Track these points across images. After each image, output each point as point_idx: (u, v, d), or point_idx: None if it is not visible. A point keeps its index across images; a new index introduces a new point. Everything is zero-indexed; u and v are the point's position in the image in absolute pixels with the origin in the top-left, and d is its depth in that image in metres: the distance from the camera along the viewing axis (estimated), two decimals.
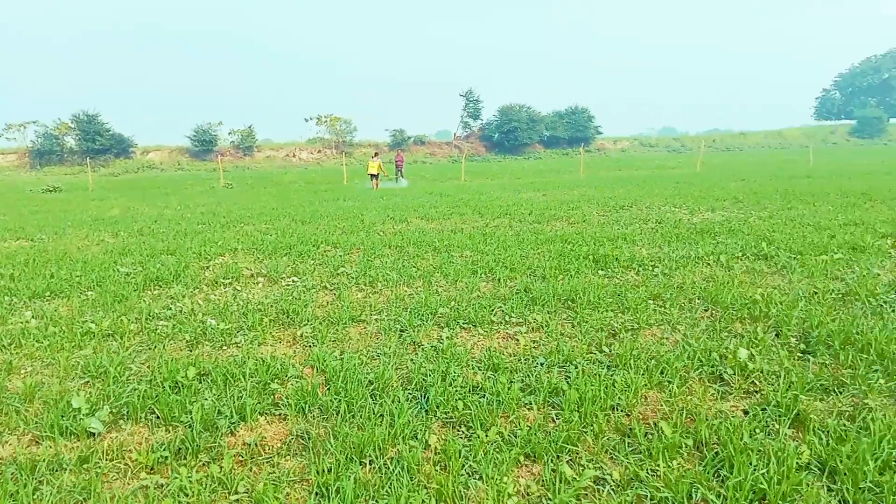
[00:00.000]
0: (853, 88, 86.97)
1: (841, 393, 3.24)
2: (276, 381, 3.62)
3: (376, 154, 26.21)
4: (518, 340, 4.26)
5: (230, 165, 46.16)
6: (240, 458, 2.81)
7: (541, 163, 46.30)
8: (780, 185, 16.57)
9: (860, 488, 2.34)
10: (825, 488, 2.42)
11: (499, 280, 5.99)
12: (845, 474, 2.41)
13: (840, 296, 4.99)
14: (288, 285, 6.09)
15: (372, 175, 23.31)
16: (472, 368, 3.78)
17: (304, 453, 2.84)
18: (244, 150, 52.55)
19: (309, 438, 2.94)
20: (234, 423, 3.10)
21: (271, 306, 5.22)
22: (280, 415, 3.22)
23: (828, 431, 2.78)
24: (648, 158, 47.77)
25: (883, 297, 4.80)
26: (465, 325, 4.64)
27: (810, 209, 10.66)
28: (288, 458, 2.82)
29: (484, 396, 3.33)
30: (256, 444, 2.90)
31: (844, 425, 2.84)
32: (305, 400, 3.30)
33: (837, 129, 74.32)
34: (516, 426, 3.02)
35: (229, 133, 52.93)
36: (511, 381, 3.50)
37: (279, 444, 2.93)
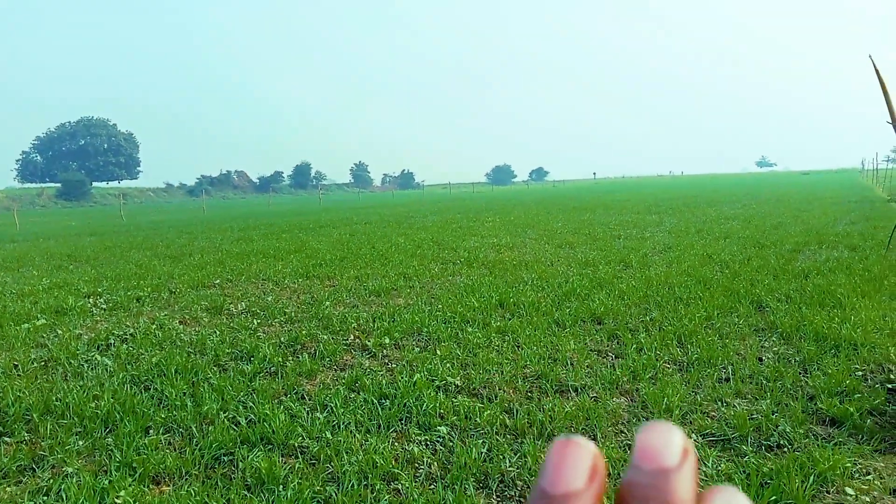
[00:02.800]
0: (54, 152, 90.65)
1: (40, 468, 3.16)
2: None
3: None
4: None
5: None
6: None
7: None
8: None
9: None
10: None
11: None
12: None
13: (42, 364, 4.95)
14: None
15: None
16: None
17: None
18: None
19: None
20: None
21: None
22: None
23: None
24: None
25: (84, 357, 5.04)
26: None
27: (14, 275, 10.30)
28: None
29: None
30: None
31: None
32: None
33: (44, 191, 75.50)
34: None
35: None
36: None
37: None
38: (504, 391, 3.98)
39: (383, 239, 13.84)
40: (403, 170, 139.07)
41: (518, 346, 4.92)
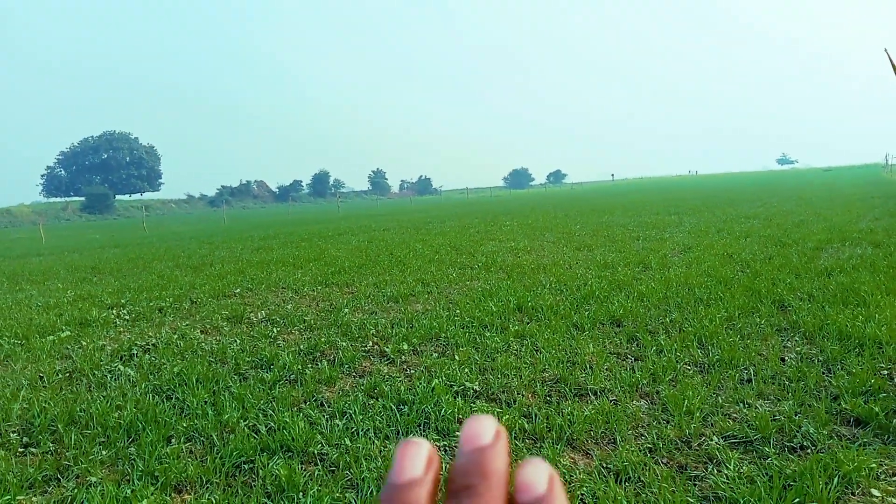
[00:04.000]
0: (78, 167, 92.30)
1: (64, 478, 3.21)
2: None
3: None
4: None
5: None
6: None
7: None
8: (7, 265, 15.74)
9: None
10: None
11: None
12: None
13: (67, 375, 5.02)
14: None
15: None
16: None
17: None
18: None
19: None
20: None
21: None
22: None
23: None
24: None
25: (107, 368, 5.11)
26: None
27: (40, 289, 10.48)
28: None
29: None
30: None
31: None
32: None
33: (69, 205, 76.85)
34: None
35: None
36: None
37: None
38: (523, 395, 3.96)
39: (401, 245, 13.87)
40: (421, 176, 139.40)
41: (537, 350, 4.90)
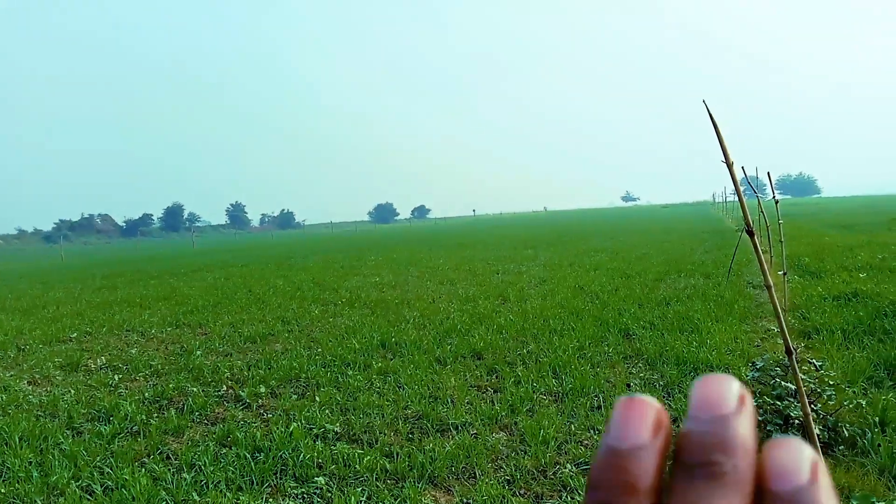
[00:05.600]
0: None
1: None
2: None
3: None
4: None
5: None
6: None
7: None
8: None
9: None
10: None
11: None
12: None
13: None
14: None
15: None
16: None
17: None
18: None
19: None
20: None
21: None
22: None
23: None
24: None
25: None
26: None
27: None
28: None
29: None
30: None
31: None
32: None
33: None
34: None
35: None
36: None
37: None
38: (385, 434, 3.91)
39: (261, 281, 13.36)
40: (283, 209, 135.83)
41: (400, 387, 4.87)
